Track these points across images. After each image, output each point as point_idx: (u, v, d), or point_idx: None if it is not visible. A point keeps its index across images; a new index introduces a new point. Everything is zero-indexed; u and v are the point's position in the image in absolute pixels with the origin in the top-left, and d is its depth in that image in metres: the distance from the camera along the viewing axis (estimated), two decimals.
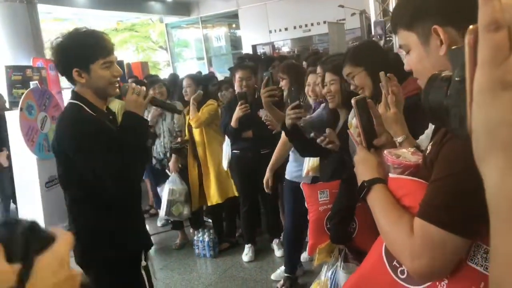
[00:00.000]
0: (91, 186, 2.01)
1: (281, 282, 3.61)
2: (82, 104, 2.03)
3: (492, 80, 0.37)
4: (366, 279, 1.21)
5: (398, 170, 1.19)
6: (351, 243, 2.03)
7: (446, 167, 0.98)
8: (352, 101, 1.37)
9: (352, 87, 2.10)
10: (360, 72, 2.01)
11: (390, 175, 1.19)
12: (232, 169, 4.26)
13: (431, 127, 1.50)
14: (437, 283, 1.01)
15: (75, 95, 2.07)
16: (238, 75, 3.98)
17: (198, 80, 4.77)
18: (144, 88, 2.18)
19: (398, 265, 1.10)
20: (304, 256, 3.78)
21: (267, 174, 3.56)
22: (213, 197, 4.42)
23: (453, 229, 0.94)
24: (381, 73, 1.70)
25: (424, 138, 1.58)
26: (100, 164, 1.95)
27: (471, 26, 0.40)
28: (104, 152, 1.95)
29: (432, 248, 0.96)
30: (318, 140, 2.21)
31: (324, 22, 11.26)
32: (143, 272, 2.16)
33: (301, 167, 3.28)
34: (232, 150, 4.17)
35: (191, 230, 4.88)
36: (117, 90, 2.12)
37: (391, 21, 1.26)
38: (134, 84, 2.22)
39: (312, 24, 12.88)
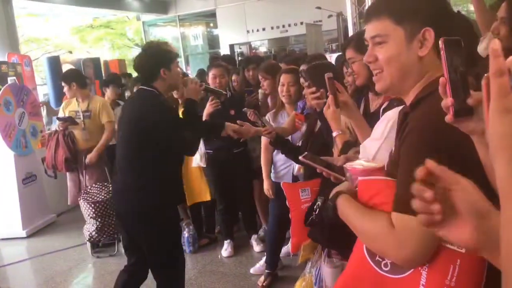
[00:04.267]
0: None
1: (262, 278, 3.70)
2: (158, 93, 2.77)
3: (499, 107, 0.55)
4: (353, 278, 1.29)
5: (359, 175, 1.28)
6: None
7: (408, 161, 1.09)
8: (301, 158, 1.56)
9: (349, 70, 2.30)
10: (360, 60, 2.05)
11: (360, 178, 1.27)
12: (207, 169, 4.32)
13: (375, 130, 1.65)
14: (419, 268, 1.09)
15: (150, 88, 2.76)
16: (212, 73, 4.09)
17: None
18: (198, 80, 3.11)
19: (380, 260, 1.17)
20: (283, 251, 3.88)
21: (266, 183, 3.65)
22: (199, 195, 4.48)
23: None
24: (326, 75, 1.89)
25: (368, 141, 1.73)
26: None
27: (485, 74, 0.60)
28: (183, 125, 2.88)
29: (413, 236, 1.04)
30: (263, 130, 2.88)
31: (301, 23, 11.38)
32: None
33: (285, 167, 3.39)
34: (205, 150, 4.22)
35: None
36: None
37: (372, 8, 1.27)
38: (191, 77, 3.00)
39: (289, 25, 13.00)
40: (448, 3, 1.21)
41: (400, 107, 1.54)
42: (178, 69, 2.84)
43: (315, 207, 1.68)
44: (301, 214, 2.28)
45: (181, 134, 2.80)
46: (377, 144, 1.60)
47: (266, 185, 3.65)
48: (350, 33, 7.81)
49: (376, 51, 1.22)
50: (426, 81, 1.18)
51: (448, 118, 0.83)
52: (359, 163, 1.30)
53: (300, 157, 1.60)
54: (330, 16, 10.07)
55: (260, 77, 4.06)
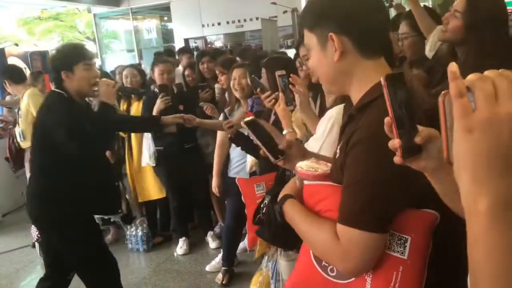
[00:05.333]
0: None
1: (220, 276, 3.65)
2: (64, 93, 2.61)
3: (463, 127, 0.56)
4: (300, 282, 1.29)
5: (309, 180, 1.27)
6: None
7: (356, 173, 1.08)
8: (242, 123, 1.45)
9: (304, 68, 2.30)
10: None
11: (306, 182, 1.27)
12: (158, 166, 4.21)
13: (318, 129, 1.64)
14: (364, 274, 1.11)
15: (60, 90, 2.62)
16: (159, 69, 3.96)
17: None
18: (112, 81, 2.88)
19: (327, 265, 1.19)
20: (239, 247, 3.85)
21: (215, 180, 3.59)
22: (151, 192, 4.38)
23: (373, 228, 1.05)
24: (276, 72, 1.87)
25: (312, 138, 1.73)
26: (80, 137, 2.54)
27: (443, 91, 0.60)
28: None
29: (358, 249, 1.05)
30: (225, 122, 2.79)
31: (257, 18, 11.34)
32: None
33: (241, 163, 3.35)
34: (156, 147, 4.12)
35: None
36: (96, 91, 2.67)
37: (299, 21, 1.34)
38: (105, 79, 2.81)
39: (245, 20, 12.93)
40: (366, 9, 1.15)
41: (342, 105, 1.54)
42: (88, 72, 2.63)
43: (262, 205, 1.66)
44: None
45: (85, 137, 2.57)
46: (319, 143, 1.59)
47: (214, 183, 3.61)
48: None
49: (310, 59, 1.26)
50: (368, 82, 1.15)
51: (397, 160, 0.82)
52: (310, 166, 1.27)
53: (243, 121, 1.47)
54: (285, 12, 10.09)
55: (217, 71, 4.01)
